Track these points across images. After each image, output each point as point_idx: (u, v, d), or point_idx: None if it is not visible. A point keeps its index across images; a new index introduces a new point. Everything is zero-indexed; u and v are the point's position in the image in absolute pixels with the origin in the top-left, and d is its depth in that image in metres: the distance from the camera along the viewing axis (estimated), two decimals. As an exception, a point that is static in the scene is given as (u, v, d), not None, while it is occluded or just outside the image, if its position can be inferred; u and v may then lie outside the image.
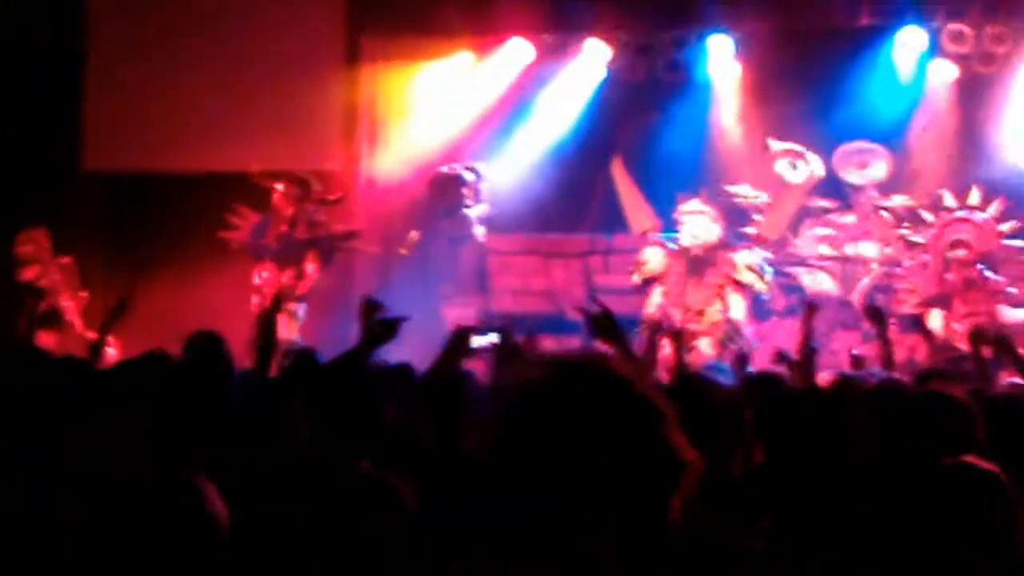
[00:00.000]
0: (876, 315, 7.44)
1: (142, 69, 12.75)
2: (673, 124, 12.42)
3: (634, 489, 1.77)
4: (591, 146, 12.71)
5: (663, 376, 8.42)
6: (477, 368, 6.05)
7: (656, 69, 12.54)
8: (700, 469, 1.82)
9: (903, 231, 11.97)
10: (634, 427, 1.79)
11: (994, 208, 11.38)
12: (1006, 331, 7.91)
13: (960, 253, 11.26)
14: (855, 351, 9.35)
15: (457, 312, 11.75)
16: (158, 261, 11.96)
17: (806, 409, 4.50)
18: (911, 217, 11.94)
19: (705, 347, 11.07)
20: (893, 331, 10.85)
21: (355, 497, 2.83)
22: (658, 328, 8.96)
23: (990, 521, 2.98)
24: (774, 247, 12.02)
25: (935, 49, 12.12)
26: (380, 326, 5.13)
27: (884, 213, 12.13)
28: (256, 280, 11.94)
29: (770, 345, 10.91)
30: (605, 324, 5.32)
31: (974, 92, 12.15)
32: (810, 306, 7.42)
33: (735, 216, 12.00)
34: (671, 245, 11.73)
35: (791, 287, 12.12)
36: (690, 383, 4.38)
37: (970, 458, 3.15)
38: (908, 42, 12.14)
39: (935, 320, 11.05)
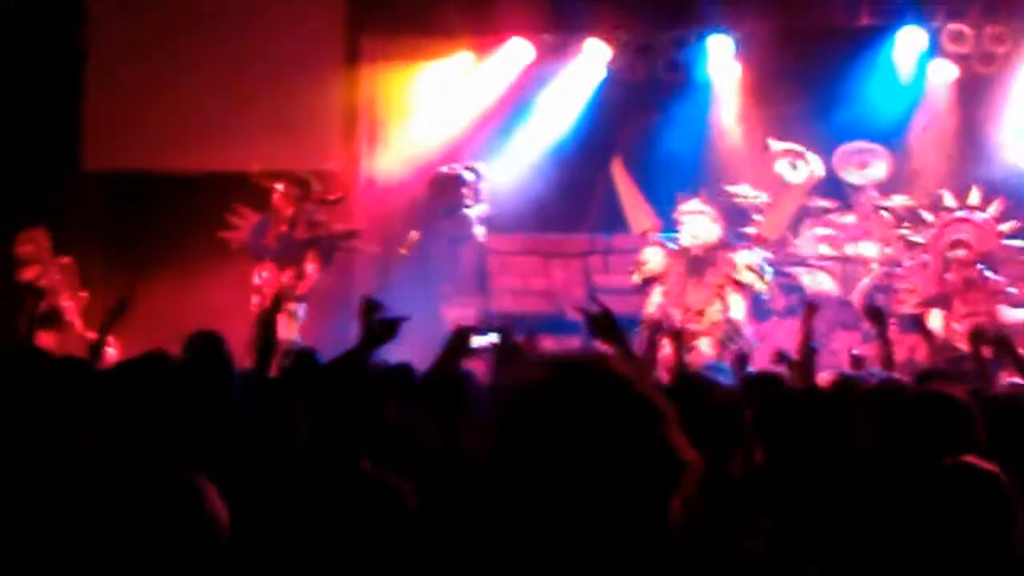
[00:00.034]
0: (876, 315, 7.44)
1: (142, 68, 12.73)
2: (673, 124, 12.41)
3: (634, 489, 1.77)
4: (591, 146, 12.69)
5: (663, 376, 8.42)
6: (477, 368, 6.04)
7: (656, 69, 12.53)
8: (700, 469, 1.81)
9: (903, 231, 11.96)
10: (634, 427, 1.78)
11: (994, 208, 11.36)
12: (1006, 331, 7.90)
13: (960, 253, 11.25)
14: (855, 351, 9.34)
15: (457, 312, 11.74)
16: (158, 261, 11.93)
17: (806, 409, 4.49)
18: (911, 217, 11.93)
19: (705, 347, 11.06)
20: (893, 331, 10.87)
21: (355, 497, 2.82)
22: (658, 328, 8.95)
23: (990, 521, 2.97)
24: (774, 247, 12.01)
25: (935, 49, 12.11)
26: (380, 326, 5.12)
27: (884, 213, 12.11)
28: (256, 280, 11.93)
29: (770, 345, 10.91)
30: (605, 324, 5.33)
31: (974, 92, 12.14)
32: (810, 306, 7.41)
33: (735, 216, 11.99)
34: (671, 245, 11.71)
35: (791, 287, 12.10)
36: (690, 383, 4.37)
37: (970, 458, 3.14)
38: (908, 42, 12.13)
39: (935, 320, 11.04)
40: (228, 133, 12.41)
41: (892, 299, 11.44)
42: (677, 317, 11.24)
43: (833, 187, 12.24)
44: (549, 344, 9.99)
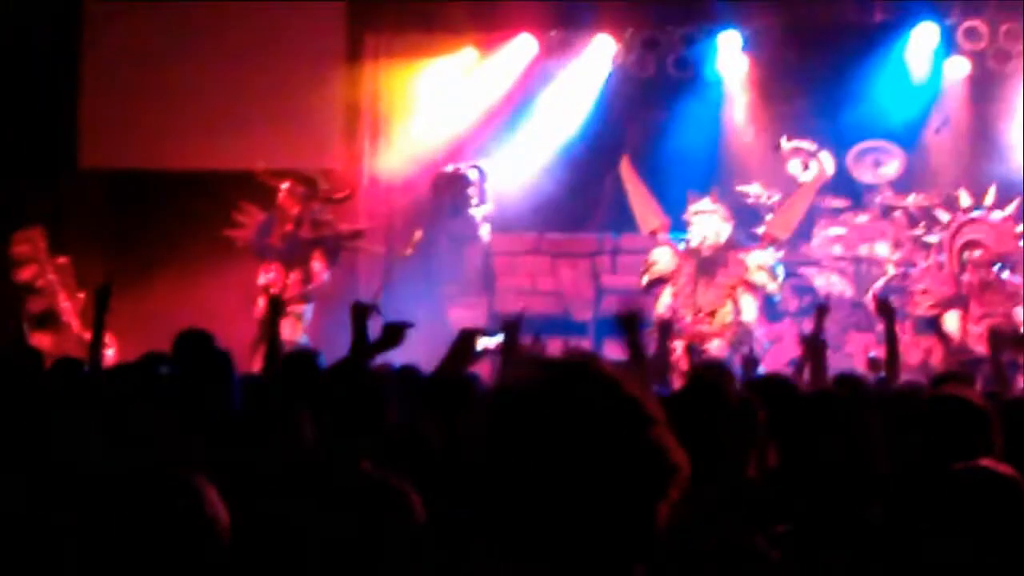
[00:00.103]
0: (885, 308, 7.34)
1: (141, 65, 12.67)
2: (682, 122, 12.39)
3: (621, 492, 1.76)
4: (598, 144, 12.65)
5: (675, 379, 8.30)
6: (484, 370, 6.03)
7: (665, 66, 12.52)
8: (688, 473, 1.81)
9: (917, 232, 11.85)
10: (622, 429, 1.78)
11: (1011, 208, 11.25)
12: (1022, 333, 7.84)
13: (976, 254, 11.17)
14: (872, 353, 9.26)
15: (462, 313, 11.68)
16: (158, 261, 11.90)
17: (819, 412, 4.41)
18: (926, 217, 11.83)
19: (716, 349, 10.93)
20: (908, 333, 10.77)
21: (357, 498, 2.83)
22: (669, 329, 8.80)
23: (1007, 525, 2.94)
24: (786, 247, 11.89)
25: (950, 46, 12.08)
26: (388, 331, 5.29)
27: (898, 213, 12.00)
28: (261, 280, 11.82)
29: (782, 347, 10.82)
30: (631, 325, 5.49)
31: (989, 89, 12.12)
32: (820, 308, 7.42)
33: (746, 216, 11.87)
34: (681, 245, 11.60)
35: (803, 288, 11.99)
36: (703, 384, 4.30)
37: (987, 462, 3.12)
38: (922, 39, 12.10)
39: (951, 322, 10.94)
40: (228, 131, 12.33)
41: (907, 301, 11.30)
42: (687, 318, 11.14)
43: (846, 186, 12.16)
44: (556, 345, 9.85)
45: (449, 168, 12.72)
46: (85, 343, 8.95)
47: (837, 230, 12.10)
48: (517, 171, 12.65)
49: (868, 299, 11.52)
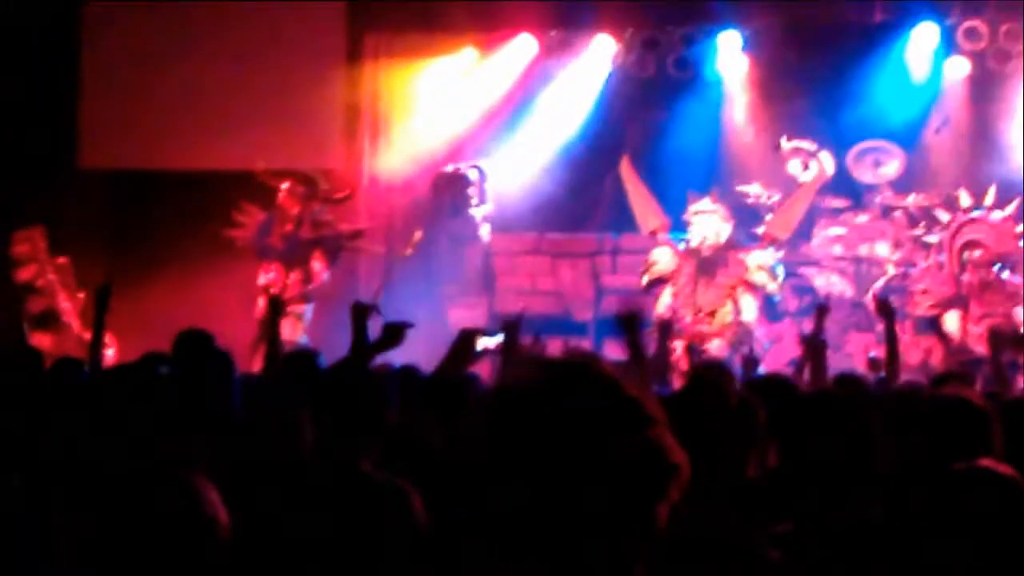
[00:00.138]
0: (885, 308, 7.36)
1: (141, 65, 12.68)
2: (682, 122, 12.41)
3: (621, 492, 1.76)
4: (599, 144, 12.67)
5: (675, 379, 8.31)
6: (484, 370, 6.03)
7: (665, 66, 12.54)
8: (688, 473, 1.80)
9: (917, 232, 11.86)
10: (621, 429, 1.77)
11: (1011, 208, 11.26)
12: (1022, 333, 7.86)
13: (976, 254, 11.18)
14: (872, 353, 9.26)
15: (462, 313, 11.68)
16: (158, 260, 11.89)
17: (819, 412, 4.42)
18: (926, 217, 11.84)
19: (716, 349, 10.94)
20: (908, 333, 10.78)
21: (357, 498, 2.82)
22: (669, 329, 8.81)
23: (1007, 526, 2.91)
24: (786, 247, 11.90)
25: (950, 46, 12.10)
26: (388, 331, 5.29)
27: (898, 213, 12.01)
28: (261, 280, 11.82)
29: (782, 347, 10.82)
30: (631, 325, 5.48)
31: (989, 89, 12.14)
32: (820, 308, 7.44)
33: (746, 216, 11.88)
34: (681, 245, 11.60)
35: (803, 288, 12.00)
36: (703, 384, 4.30)
37: (987, 462, 3.11)
38: (922, 39, 12.11)
39: (952, 323, 10.94)
40: (228, 131, 12.34)
41: (907, 301, 11.31)
42: (688, 318, 11.14)
43: (846, 186, 12.18)
44: (556, 345, 9.86)
45: (449, 168, 12.73)
46: (85, 343, 8.95)
47: (837, 230, 12.11)
48: (517, 171, 12.67)
49: (868, 299, 11.53)
